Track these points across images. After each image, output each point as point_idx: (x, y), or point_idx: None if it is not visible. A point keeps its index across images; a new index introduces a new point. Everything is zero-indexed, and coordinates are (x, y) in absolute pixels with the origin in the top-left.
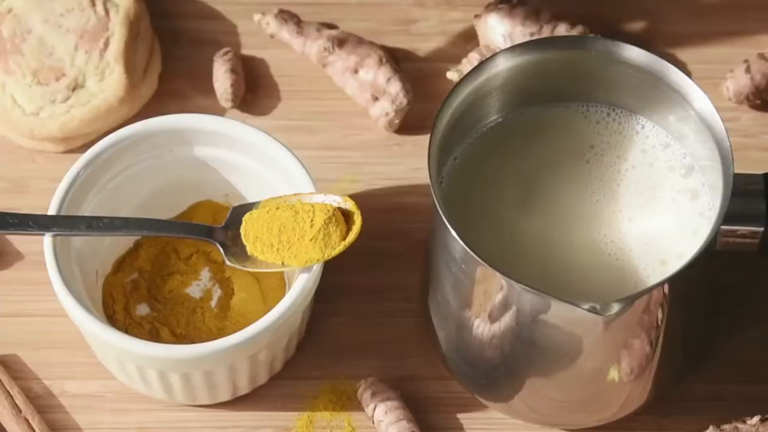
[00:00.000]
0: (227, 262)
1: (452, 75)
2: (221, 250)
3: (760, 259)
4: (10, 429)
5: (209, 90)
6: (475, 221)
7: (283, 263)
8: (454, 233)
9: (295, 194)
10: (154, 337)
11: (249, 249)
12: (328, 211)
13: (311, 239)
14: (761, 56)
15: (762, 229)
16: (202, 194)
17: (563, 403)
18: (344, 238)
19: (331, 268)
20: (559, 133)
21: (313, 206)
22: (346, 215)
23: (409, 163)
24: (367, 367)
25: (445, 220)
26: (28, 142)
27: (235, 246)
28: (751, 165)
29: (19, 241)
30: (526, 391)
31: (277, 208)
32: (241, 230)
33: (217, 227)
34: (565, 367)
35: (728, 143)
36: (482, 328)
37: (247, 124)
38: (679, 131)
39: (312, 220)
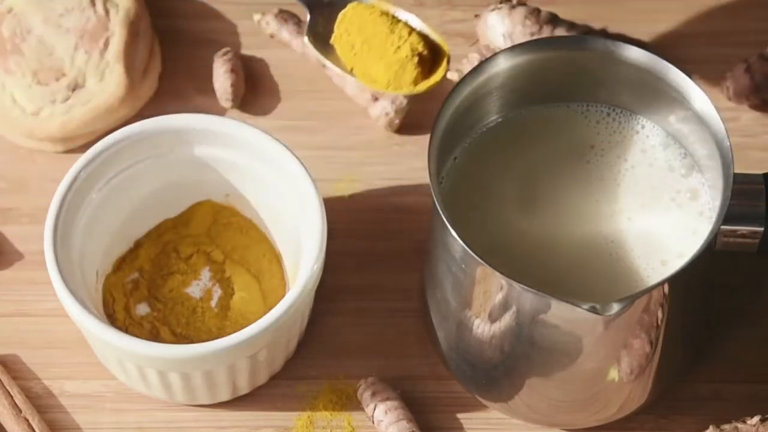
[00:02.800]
0: (305, 39)
1: (452, 75)
2: (307, 19)
3: (760, 259)
4: (10, 429)
5: (209, 90)
6: (475, 221)
7: (351, 71)
8: (454, 233)
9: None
10: (154, 336)
11: (333, 37)
12: (416, 49)
13: (387, 64)
14: (761, 56)
15: (762, 229)
16: (202, 194)
17: (563, 403)
18: (415, 84)
19: (331, 268)
20: (559, 133)
21: (409, 34)
22: (433, 62)
23: (409, 163)
24: (367, 367)
25: (445, 220)
26: (28, 141)
27: (322, 25)
28: (751, 165)
29: (19, 241)
30: (526, 391)
31: (381, 14)
32: (340, 14)
33: None
34: (565, 367)
35: (728, 143)
36: (482, 328)
37: (247, 124)
38: (679, 131)
39: (399, 47)
